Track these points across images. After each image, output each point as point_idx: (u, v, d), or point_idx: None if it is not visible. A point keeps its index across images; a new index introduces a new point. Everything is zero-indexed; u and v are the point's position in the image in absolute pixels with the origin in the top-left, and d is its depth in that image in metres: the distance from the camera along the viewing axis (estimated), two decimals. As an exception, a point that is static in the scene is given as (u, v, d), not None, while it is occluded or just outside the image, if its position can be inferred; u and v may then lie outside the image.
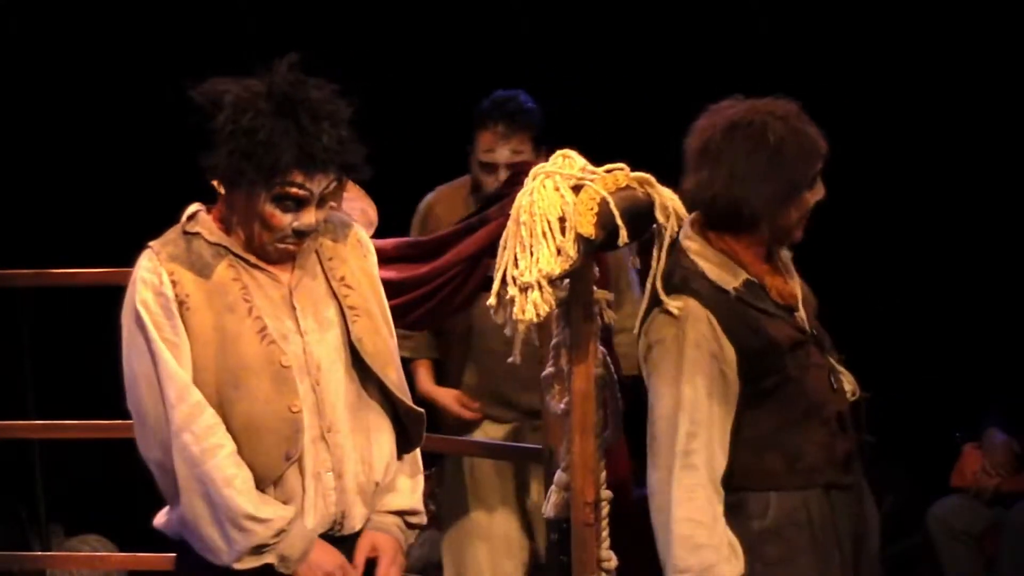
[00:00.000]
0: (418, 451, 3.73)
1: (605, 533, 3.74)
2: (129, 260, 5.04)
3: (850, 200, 7.01)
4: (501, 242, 3.66)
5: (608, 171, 3.65)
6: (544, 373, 3.82)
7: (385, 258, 4.48)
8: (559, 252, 3.56)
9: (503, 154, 5.22)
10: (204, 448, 3.41)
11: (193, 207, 3.58)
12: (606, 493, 3.76)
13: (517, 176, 4.41)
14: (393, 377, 3.61)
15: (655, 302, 3.79)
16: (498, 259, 3.65)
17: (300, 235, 3.48)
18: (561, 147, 3.71)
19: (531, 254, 3.58)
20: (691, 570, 3.66)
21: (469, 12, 7.25)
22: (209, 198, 3.60)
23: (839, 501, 3.83)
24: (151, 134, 7.06)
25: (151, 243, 3.55)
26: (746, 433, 3.74)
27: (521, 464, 5.24)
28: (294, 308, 3.54)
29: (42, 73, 7.24)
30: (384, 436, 3.62)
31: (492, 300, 3.65)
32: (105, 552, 6.48)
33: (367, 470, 3.57)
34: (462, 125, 5.40)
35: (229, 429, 3.44)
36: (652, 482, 3.72)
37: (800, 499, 3.79)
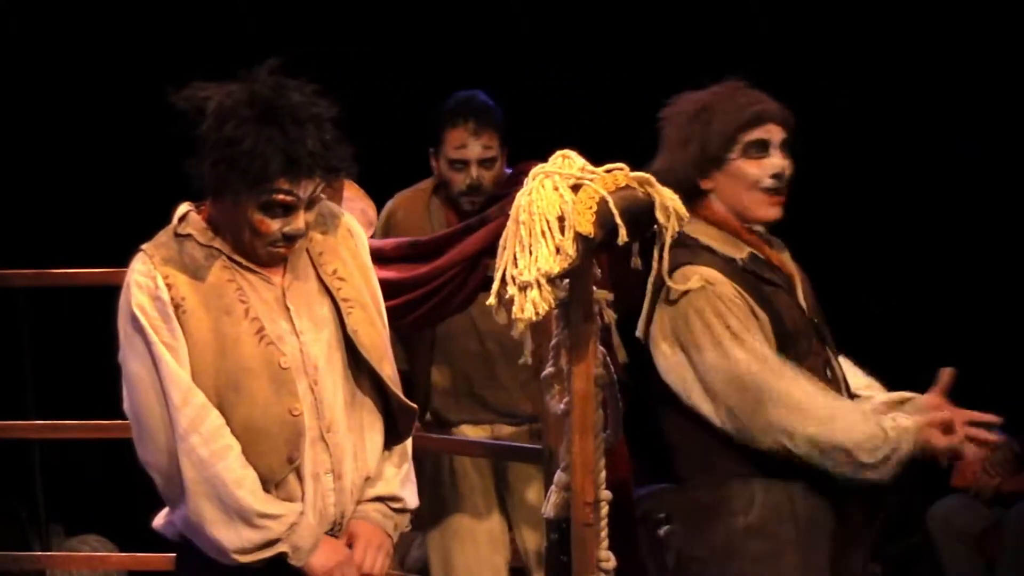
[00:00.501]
0: (408, 443, 3.69)
1: (604, 533, 3.74)
2: (129, 260, 5.05)
3: (848, 199, 7.02)
4: (501, 242, 3.66)
5: (608, 171, 3.64)
6: (544, 373, 3.82)
7: (385, 258, 4.48)
8: (558, 251, 3.56)
9: (475, 150, 5.22)
10: (213, 450, 3.40)
11: (183, 208, 3.56)
12: (606, 493, 3.76)
13: (517, 176, 4.41)
14: (388, 371, 3.59)
15: (656, 300, 3.81)
16: (498, 259, 3.65)
17: (290, 239, 3.47)
18: (561, 147, 3.72)
19: (530, 253, 3.57)
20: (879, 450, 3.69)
21: (469, 12, 7.25)
22: (201, 195, 3.58)
23: (825, 489, 3.84)
24: (150, 134, 7.06)
25: (143, 246, 3.53)
26: None
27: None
28: (288, 309, 3.52)
29: (42, 73, 7.24)
30: (376, 433, 3.61)
31: (492, 300, 3.65)
32: (105, 552, 6.49)
33: (361, 467, 3.57)
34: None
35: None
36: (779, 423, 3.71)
37: (785, 493, 3.81)
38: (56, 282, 5.32)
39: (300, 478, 3.49)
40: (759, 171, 3.90)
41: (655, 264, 3.78)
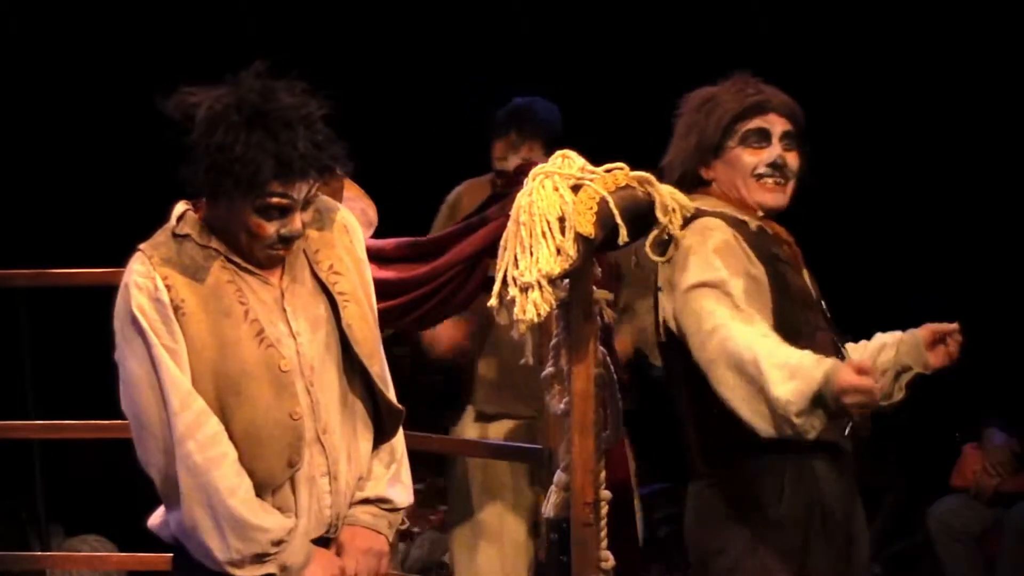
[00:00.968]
0: (396, 442, 3.67)
1: (604, 533, 3.74)
2: (128, 260, 5.04)
3: (847, 198, 7.02)
4: (501, 242, 3.66)
5: (608, 171, 3.65)
6: (544, 373, 3.82)
7: (385, 258, 4.47)
8: (559, 252, 3.56)
9: (513, 162, 5.23)
10: (208, 457, 3.39)
11: (180, 207, 3.54)
12: (606, 493, 3.76)
13: (517, 176, 4.41)
14: (376, 368, 3.57)
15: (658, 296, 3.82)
16: (498, 259, 3.65)
17: (287, 241, 3.45)
18: (561, 147, 3.72)
19: (531, 254, 3.57)
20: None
21: (469, 12, 7.25)
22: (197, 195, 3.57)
23: (841, 470, 3.83)
24: (150, 134, 7.06)
25: (141, 246, 3.51)
26: None
27: (536, 465, 5.23)
28: (285, 311, 3.52)
29: (42, 73, 7.24)
30: (368, 433, 3.60)
31: (493, 301, 3.65)
32: (105, 552, 6.48)
33: (355, 468, 3.56)
34: (462, 125, 5.40)
35: (230, 436, 3.42)
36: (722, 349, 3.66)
37: (813, 476, 3.78)
38: (56, 282, 5.32)
39: (294, 482, 3.48)
40: (756, 159, 3.91)
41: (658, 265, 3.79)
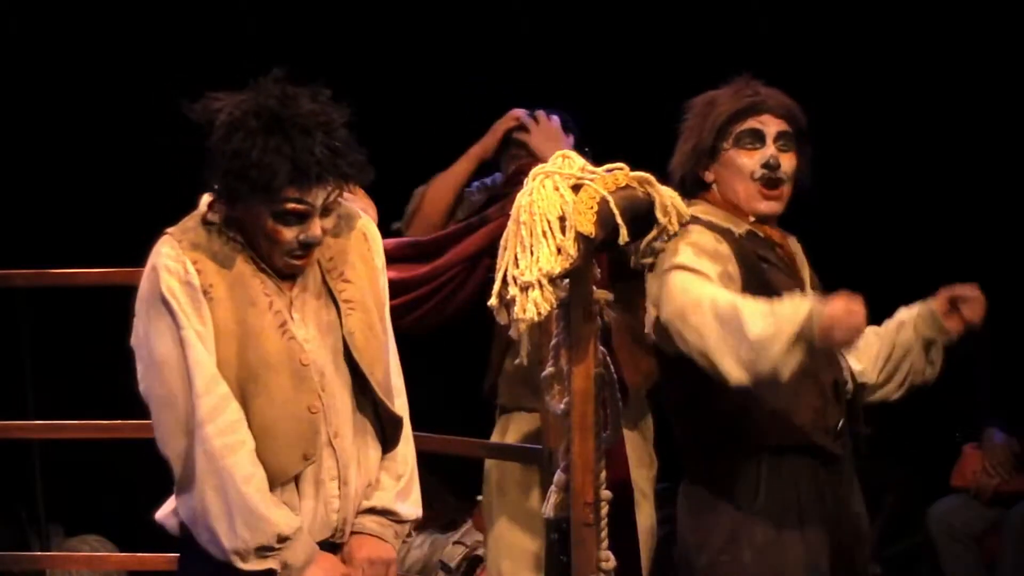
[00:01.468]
0: (407, 454, 3.66)
1: (604, 533, 3.74)
2: (128, 260, 5.04)
3: (847, 198, 7.02)
4: (501, 242, 3.66)
5: (608, 171, 3.65)
6: (544, 373, 3.82)
7: (386, 258, 4.47)
8: (559, 251, 3.56)
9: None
10: (227, 443, 3.39)
11: (208, 197, 3.54)
12: (606, 493, 3.76)
13: (517, 176, 4.42)
14: (378, 376, 3.56)
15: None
16: (499, 259, 3.65)
17: (307, 247, 3.46)
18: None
19: (531, 253, 3.58)
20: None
21: (469, 12, 7.25)
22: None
23: (827, 475, 3.84)
24: (150, 134, 7.06)
25: (169, 230, 3.51)
26: (740, 390, 3.75)
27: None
28: (293, 318, 3.52)
29: (42, 73, 7.24)
30: (376, 441, 3.60)
31: (494, 300, 3.65)
32: (105, 552, 6.48)
33: (364, 474, 3.56)
34: (462, 125, 5.39)
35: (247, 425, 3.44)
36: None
37: (790, 474, 3.81)
38: (56, 282, 5.31)
39: (299, 482, 3.48)
40: (750, 161, 3.92)
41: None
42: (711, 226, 3.87)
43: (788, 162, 3.94)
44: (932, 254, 7.19)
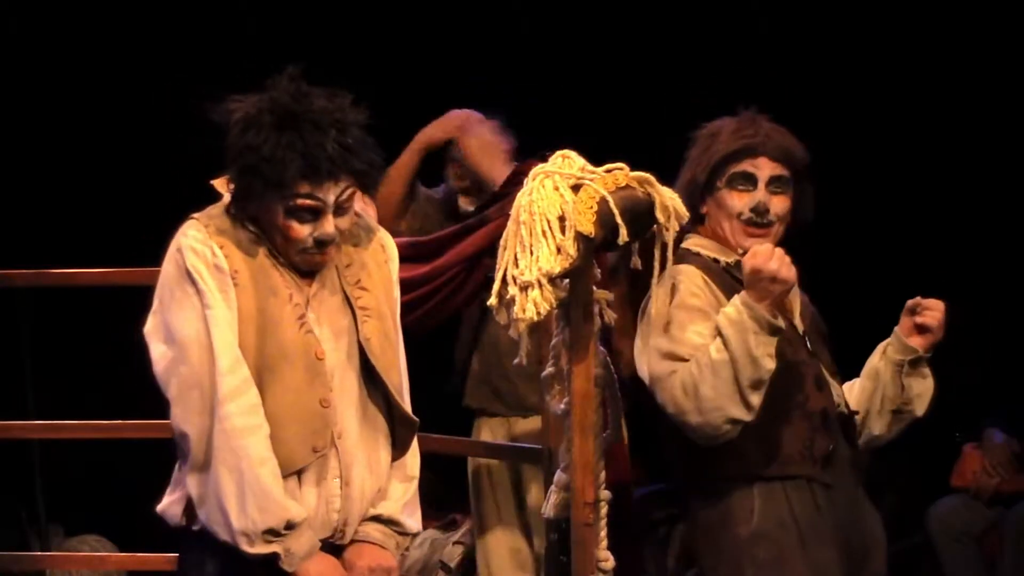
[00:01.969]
0: (415, 460, 3.69)
1: (604, 533, 3.74)
2: (128, 260, 5.05)
3: (847, 202, 7.02)
4: (501, 242, 3.66)
5: (608, 171, 3.65)
6: (544, 373, 3.82)
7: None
8: (559, 251, 3.56)
9: (452, 181, 5.25)
10: (247, 424, 3.40)
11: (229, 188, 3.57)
12: (606, 493, 3.76)
13: (517, 176, 4.42)
14: (395, 380, 3.60)
15: None
16: (498, 259, 3.65)
17: (321, 244, 3.48)
18: (561, 147, 3.72)
19: (531, 253, 3.57)
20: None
21: (469, 12, 7.25)
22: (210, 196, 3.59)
23: (824, 500, 3.86)
24: (151, 134, 7.06)
25: (195, 215, 3.53)
26: None
27: (517, 469, 5.21)
28: (308, 315, 3.54)
29: (42, 73, 7.24)
30: (388, 445, 3.62)
31: (493, 300, 3.65)
32: (105, 552, 6.48)
33: (374, 479, 3.58)
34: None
35: None
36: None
37: (784, 499, 3.83)
38: (56, 282, 5.31)
39: (300, 479, 3.49)
40: (740, 203, 3.96)
41: (656, 265, 3.80)
42: (699, 260, 3.92)
43: (779, 205, 3.97)
44: (931, 256, 7.20)
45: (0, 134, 7.08)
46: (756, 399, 3.73)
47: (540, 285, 3.56)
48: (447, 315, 4.82)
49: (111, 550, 6.56)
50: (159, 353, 3.49)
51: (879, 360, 4.05)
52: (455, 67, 7.13)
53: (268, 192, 3.42)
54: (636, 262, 3.81)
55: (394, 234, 3.84)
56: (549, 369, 3.80)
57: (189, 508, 3.50)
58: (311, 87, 3.47)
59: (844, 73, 7.12)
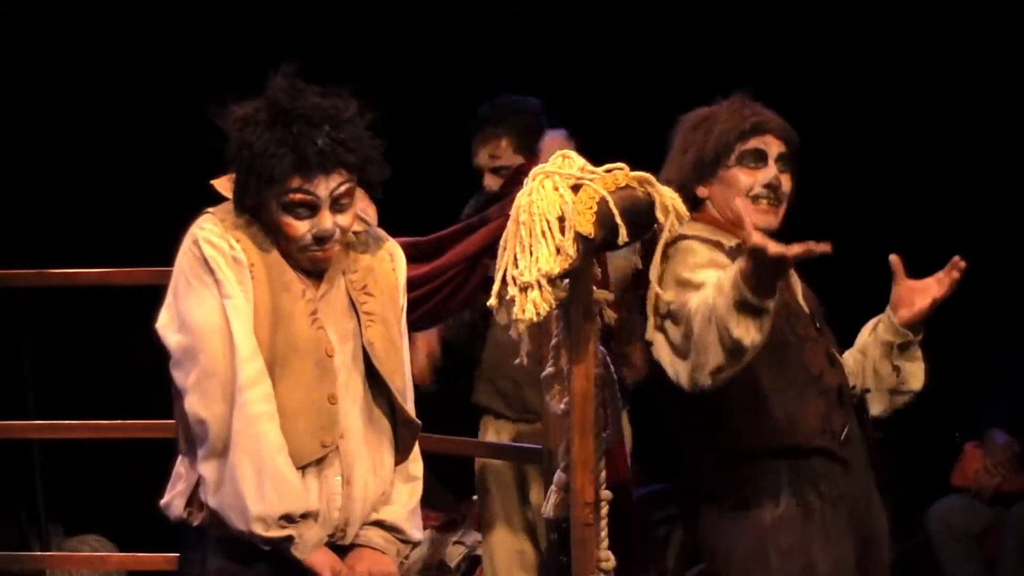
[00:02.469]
0: (419, 467, 3.72)
1: (604, 533, 3.74)
2: (128, 260, 5.05)
3: (846, 201, 7.02)
4: (501, 242, 3.66)
5: (608, 171, 3.65)
6: (544, 373, 3.82)
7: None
8: (559, 251, 3.56)
9: (483, 159, 5.25)
10: (264, 411, 3.43)
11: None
12: (606, 493, 3.76)
13: (517, 176, 4.42)
14: (399, 384, 3.62)
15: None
16: (498, 259, 3.65)
17: (320, 240, 3.50)
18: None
19: (531, 254, 3.57)
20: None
21: (469, 12, 7.25)
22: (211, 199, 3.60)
23: (845, 482, 3.85)
24: (151, 134, 7.07)
25: (210, 210, 3.56)
26: (746, 395, 3.79)
27: (521, 469, 5.21)
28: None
29: (42, 73, 7.24)
30: (392, 448, 3.64)
31: (493, 300, 3.65)
32: (105, 552, 6.48)
33: (378, 482, 3.59)
34: (462, 125, 5.40)
35: None
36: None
37: (811, 481, 3.83)
38: (56, 282, 5.32)
39: (304, 475, 3.49)
40: (751, 180, 3.94)
41: (655, 264, 3.80)
42: (700, 240, 3.90)
43: (787, 183, 3.99)
44: (931, 256, 7.19)
45: (0, 134, 7.08)
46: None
47: (540, 286, 3.56)
48: (447, 315, 4.83)
49: (111, 550, 6.56)
50: (175, 342, 3.50)
51: (867, 336, 4.04)
52: (455, 67, 7.13)
53: (263, 189, 3.44)
54: (636, 263, 3.81)
55: None
56: (549, 369, 3.80)
57: (191, 502, 3.51)
58: (307, 84, 3.48)
59: (843, 70, 7.12)
